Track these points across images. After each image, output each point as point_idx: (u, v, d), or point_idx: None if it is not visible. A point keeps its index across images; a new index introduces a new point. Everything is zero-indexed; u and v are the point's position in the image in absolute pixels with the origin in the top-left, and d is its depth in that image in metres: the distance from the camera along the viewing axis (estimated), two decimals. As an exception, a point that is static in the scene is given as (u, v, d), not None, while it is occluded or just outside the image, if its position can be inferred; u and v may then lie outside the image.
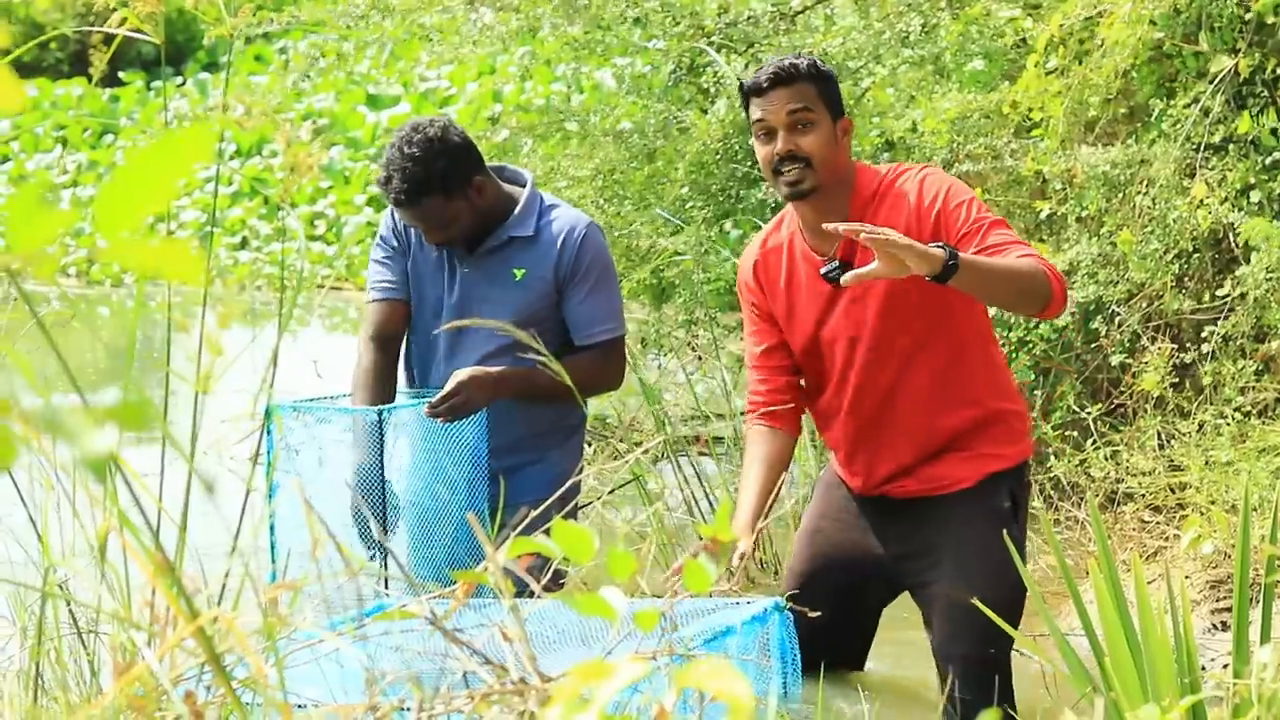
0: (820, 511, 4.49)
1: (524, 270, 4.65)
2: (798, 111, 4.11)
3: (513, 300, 4.65)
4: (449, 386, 4.45)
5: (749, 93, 4.18)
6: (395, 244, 4.79)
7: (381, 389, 4.68)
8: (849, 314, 4.24)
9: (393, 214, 4.75)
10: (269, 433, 4.35)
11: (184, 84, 22.71)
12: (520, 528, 2.73)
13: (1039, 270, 3.98)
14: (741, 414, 6.84)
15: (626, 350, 4.85)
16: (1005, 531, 4.20)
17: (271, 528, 4.35)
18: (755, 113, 4.16)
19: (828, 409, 4.41)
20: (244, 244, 18.71)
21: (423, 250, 4.74)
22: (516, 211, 4.67)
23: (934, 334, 4.24)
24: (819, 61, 4.20)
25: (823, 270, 4.21)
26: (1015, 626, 4.14)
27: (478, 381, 4.47)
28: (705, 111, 8.57)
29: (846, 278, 3.94)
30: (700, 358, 7.46)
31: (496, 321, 4.15)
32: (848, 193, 4.20)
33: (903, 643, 4.85)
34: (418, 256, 4.76)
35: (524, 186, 4.74)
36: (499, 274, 4.66)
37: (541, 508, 3.07)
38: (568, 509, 4.44)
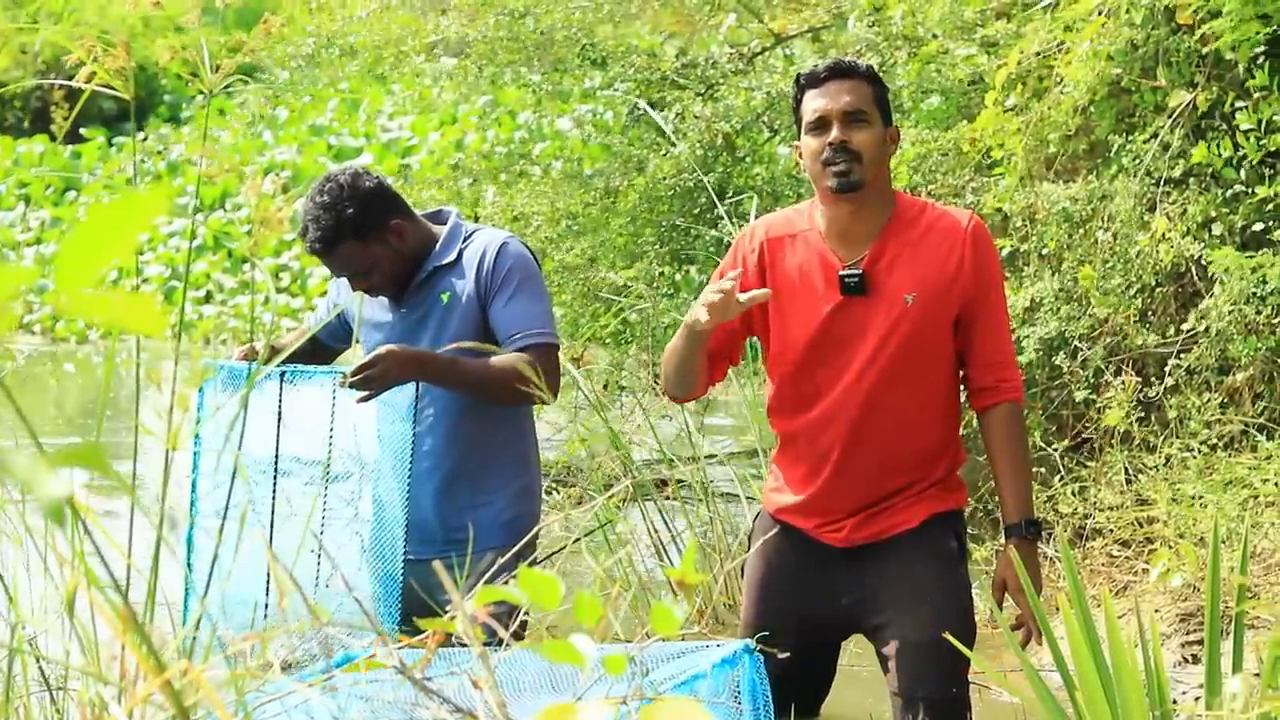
0: (765, 571, 4.37)
1: (449, 293, 4.63)
2: (854, 107, 4.12)
3: (445, 325, 4.64)
4: (368, 357, 4.38)
5: (805, 84, 4.18)
6: (337, 291, 4.89)
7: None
8: (870, 324, 4.17)
9: None
10: (201, 402, 4.39)
11: (146, 139, 22.68)
12: (479, 578, 2.72)
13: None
14: (707, 457, 6.84)
15: (564, 370, 4.79)
16: (957, 572, 4.22)
17: (192, 503, 4.35)
18: (810, 104, 4.15)
19: (813, 419, 4.27)
20: (208, 298, 18.68)
21: (365, 301, 4.75)
22: (439, 244, 4.69)
23: (930, 368, 4.22)
24: (875, 68, 4.26)
25: (843, 272, 4.17)
26: (969, 665, 4.15)
27: (398, 356, 4.38)
28: (666, 153, 8.59)
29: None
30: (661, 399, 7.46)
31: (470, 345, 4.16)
32: (889, 208, 4.20)
33: (856, 681, 4.84)
34: (363, 308, 4.77)
35: (447, 223, 4.75)
36: (431, 306, 4.65)
37: (498, 564, 2.96)
38: (524, 560, 4.37)
